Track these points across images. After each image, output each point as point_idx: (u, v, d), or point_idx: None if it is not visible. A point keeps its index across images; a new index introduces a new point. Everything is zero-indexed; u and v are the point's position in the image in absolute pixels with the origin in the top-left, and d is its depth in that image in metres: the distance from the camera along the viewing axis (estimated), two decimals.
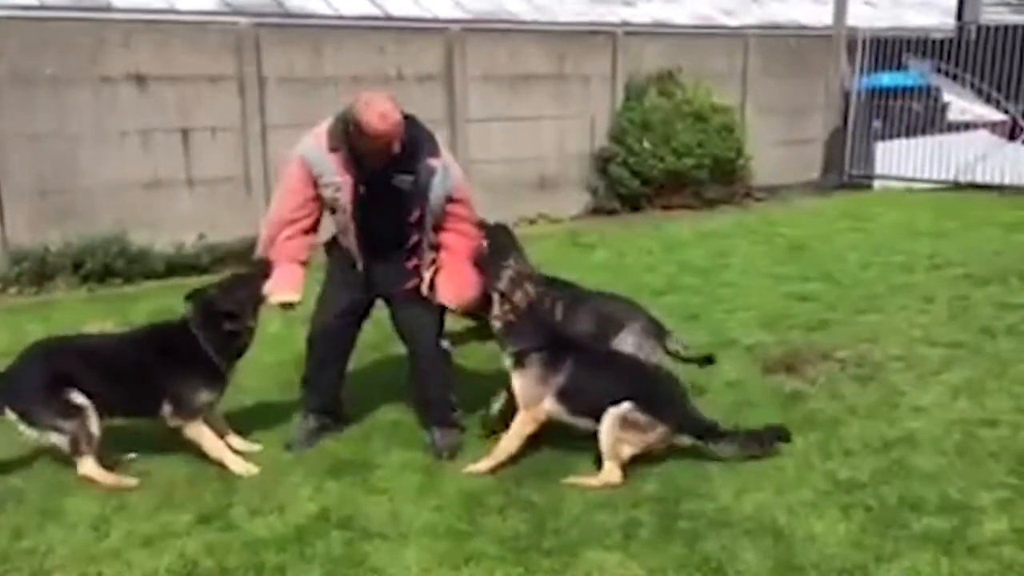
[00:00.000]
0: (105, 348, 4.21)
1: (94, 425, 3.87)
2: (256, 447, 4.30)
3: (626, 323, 4.57)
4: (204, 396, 4.02)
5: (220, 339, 3.99)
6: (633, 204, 10.88)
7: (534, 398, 3.95)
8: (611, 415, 3.84)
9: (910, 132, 12.68)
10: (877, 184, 12.76)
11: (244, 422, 4.50)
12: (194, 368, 3.98)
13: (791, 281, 7.33)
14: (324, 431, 4.35)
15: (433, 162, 3.98)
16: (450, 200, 4.08)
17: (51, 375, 3.89)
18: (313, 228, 4.12)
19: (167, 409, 3.98)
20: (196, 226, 8.15)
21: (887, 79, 12.85)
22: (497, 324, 4.02)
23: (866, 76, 13.00)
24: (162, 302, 6.39)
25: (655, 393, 3.98)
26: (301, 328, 4.62)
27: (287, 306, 4.09)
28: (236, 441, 4.27)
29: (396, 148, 3.85)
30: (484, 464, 3.98)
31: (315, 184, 3.96)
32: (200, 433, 4.03)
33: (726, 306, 6.64)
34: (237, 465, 4.02)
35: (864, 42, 12.92)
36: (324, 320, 4.27)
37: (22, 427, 3.88)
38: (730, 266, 7.98)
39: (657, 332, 4.63)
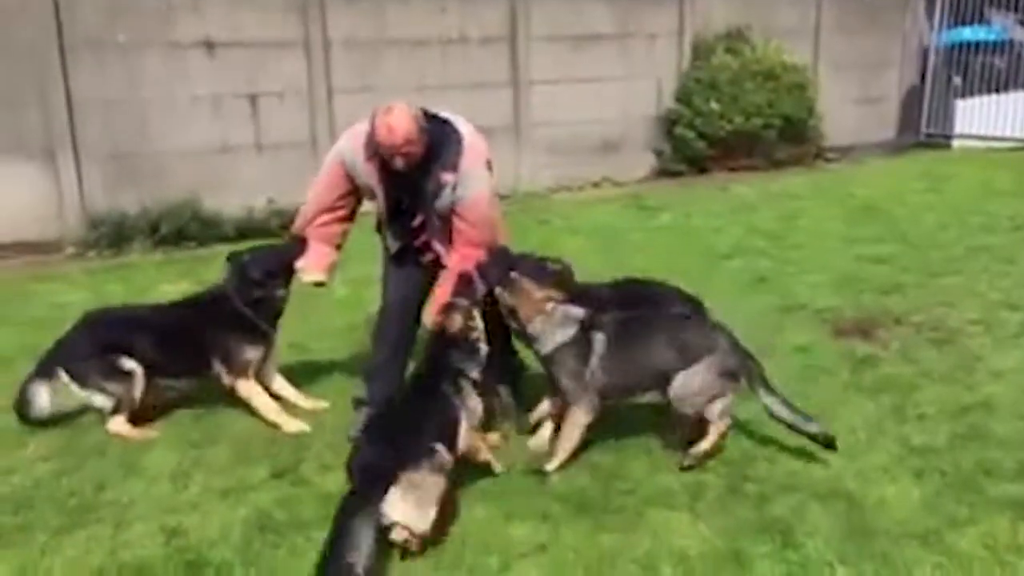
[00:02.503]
0: (154, 316, 4.42)
1: (138, 390, 4.13)
2: (323, 404, 4.40)
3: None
4: (248, 353, 4.21)
5: (252, 302, 4.19)
6: (699, 166, 10.68)
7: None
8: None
9: (991, 89, 12.16)
10: (956, 143, 12.30)
11: (314, 383, 4.61)
12: (235, 327, 4.20)
13: (864, 243, 7.14)
14: None
15: (446, 176, 3.79)
16: (456, 215, 3.87)
17: (101, 342, 4.17)
18: (350, 216, 4.16)
19: (217, 367, 4.21)
20: (264, 190, 8.27)
21: (968, 33, 12.32)
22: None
23: (945, 30, 12.46)
24: None
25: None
26: (367, 291, 4.67)
27: (318, 284, 4.22)
28: (303, 400, 4.40)
29: (414, 155, 3.71)
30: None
31: (353, 180, 3.99)
32: (251, 392, 4.21)
33: (795, 269, 6.50)
34: (289, 424, 4.14)
35: None
36: (382, 313, 4.20)
37: (73, 388, 4.14)
38: (800, 228, 7.81)
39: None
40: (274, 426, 4.14)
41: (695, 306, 4.30)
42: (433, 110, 3.88)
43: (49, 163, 7.55)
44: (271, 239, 6.31)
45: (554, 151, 10.12)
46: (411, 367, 4.01)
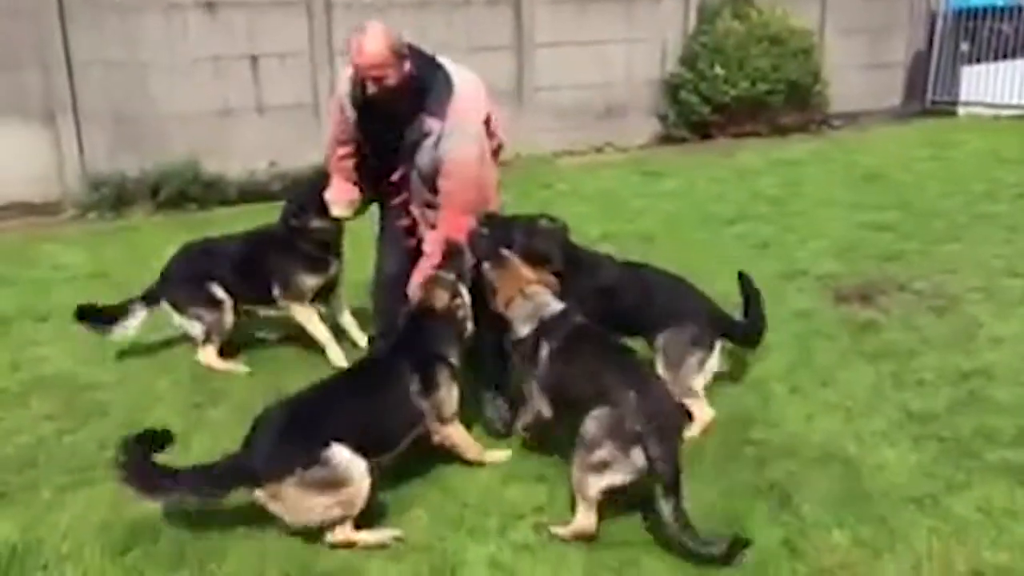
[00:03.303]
0: (232, 247, 4.66)
1: (228, 319, 4.48)
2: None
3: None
4: (301, 279, 4.45)
5: (295, 232, 4.41)
6: (704, 132, 10.59)
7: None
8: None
9: (999, 55, 12.02)
10: (962, 110, 12.18)
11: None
12: (288, 256, 4.45)
13: (867, 210, 7.10)
14: None
15: (430, 123, 3.49)
16: (439, 173, 3.55)
17: (198, 272, 4.51)
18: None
19: (276, 291, 4.49)
20: (266, 153, 8.24)
21: None
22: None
23: None
24: (235, 227, 6.49)
25: None
26: None
27: (345, 219, 4.27)
28: (363, 341, 4.60)
29: (386, 83, 3.42)
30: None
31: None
32: (305, 317, 4.49)
33: (798, 235, 6.48)
34: (334, 355, 4.41)
35: None
36: (375, 291, 4.10)
37: (174, 316, 4.50)
38: (803, 195, 7.77)
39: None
40: (322, 349, 4.44)
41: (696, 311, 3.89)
42: (430, 52, 3.63)
43: (49, 125, 7.52)
44: (272, 203, 6.28)
45: (558, 115, 10.05)
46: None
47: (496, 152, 3.87)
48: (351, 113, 3.72)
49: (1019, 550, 2.87)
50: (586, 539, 2.97)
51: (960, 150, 9.58)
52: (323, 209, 4.25)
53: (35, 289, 5.56)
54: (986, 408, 3.81)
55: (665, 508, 2.82)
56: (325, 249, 4.47)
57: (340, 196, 4.13)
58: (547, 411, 3.32)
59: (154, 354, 4.61)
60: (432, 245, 3.63)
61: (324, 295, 4.61)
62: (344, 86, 3.75)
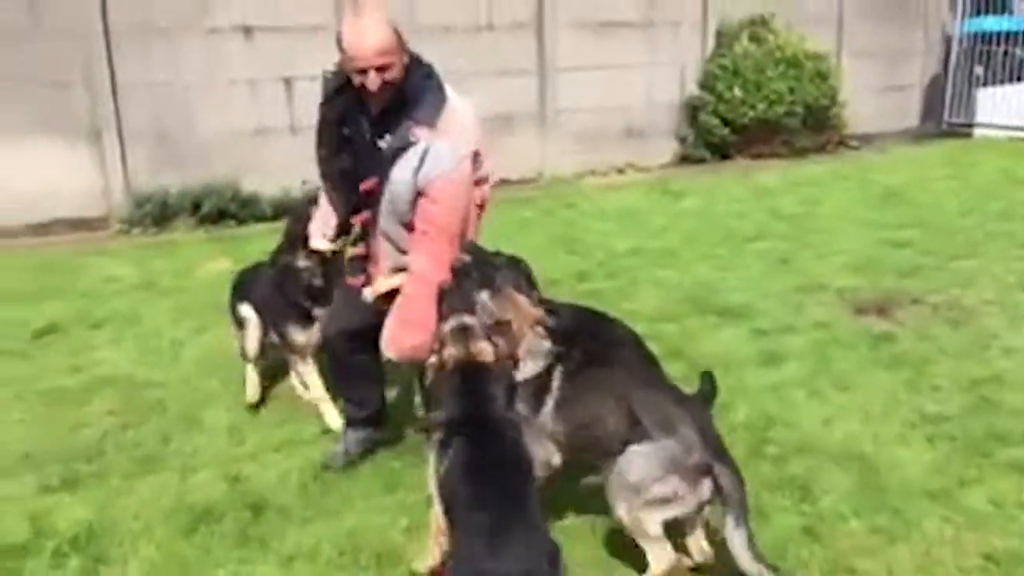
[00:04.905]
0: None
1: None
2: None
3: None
4: (294, 334, 4.00)
5: (281, 276, 3.96)
6: (723, 153, 10.85)
7: (431, 492, 2.80)
8: None
9: (1013, 78, 12.23)
10: (978, 132, 12.38)
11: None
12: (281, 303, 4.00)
13: (885, 228, 7.30)
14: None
15: (418, 131, 3.08)
16: (421, 195, 3.13)
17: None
18: None
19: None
20: (300, 172, 8.46)
21: (990, 23, 12.37)
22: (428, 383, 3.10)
23: (968, 19, 12.54)
24: (270, 243, 6.74)
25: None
26: None
27: (327, 251, 3.72)
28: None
29: (392, 74, 3.06)
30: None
31: None
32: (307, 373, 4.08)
33: (817, 251, 6.69)
34: (334, 419, 3.98)
35: None
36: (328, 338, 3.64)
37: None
38: (822, 213, 7.98)
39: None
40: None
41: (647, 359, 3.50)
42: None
43: (95, 144, 7.86)
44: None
45: (579, 137, 10.32)
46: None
47: (482, 183, 3.46)
48: (330, 114, 3.31)
49: None
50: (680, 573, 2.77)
51: (976, 170, 9.77)
52: (303, 246, 3.79)
53: (88, 298, 5.86)
54: (998, 411, 4.00)
55: (736, 539, 2.62)
56: (312, 294, 3.91)
57: (321, 227, 3.62)
58: (557, 459, 3.04)
59: (202, 358, 4.86)
60: (409, 285, 3.20)
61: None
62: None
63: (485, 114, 10.10)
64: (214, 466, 3.67)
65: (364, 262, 3.40)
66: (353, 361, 3.54)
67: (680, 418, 2.75)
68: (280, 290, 3.98)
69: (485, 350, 2.84)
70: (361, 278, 3.41)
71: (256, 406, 4.21)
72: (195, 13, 8.12)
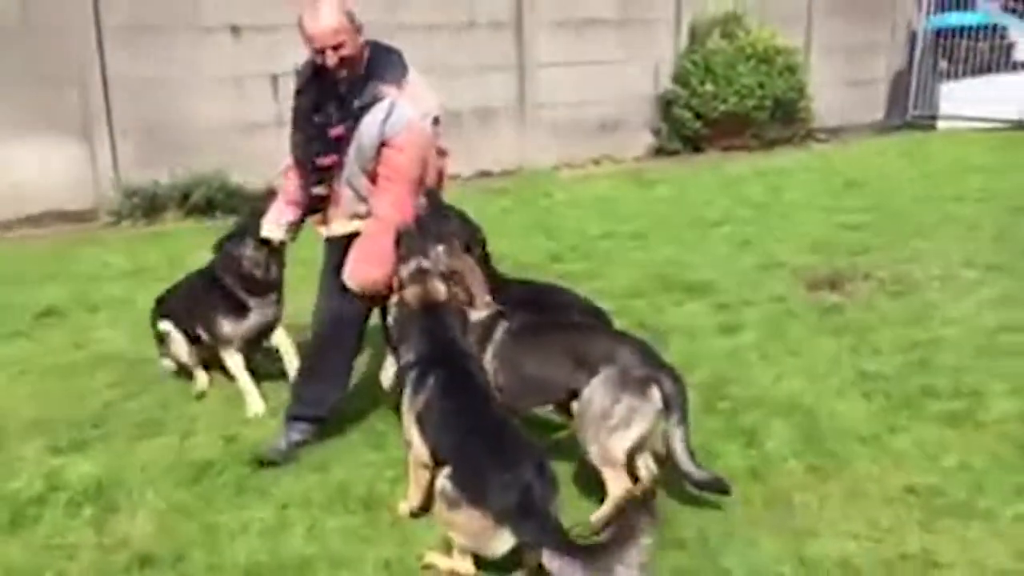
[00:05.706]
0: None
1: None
2: None
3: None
4: (223, 325, 4.20)
5: (225, 267, 4.18)
6: (695, 145, 11.23)
7: (407, 431, 3.11)
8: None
9: (975, 72, 12.68)
10: (941, 124, 12.82)
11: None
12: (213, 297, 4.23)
13: (844, 213, 7.69)
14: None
15: (385, 88, 3.41)
16: (384, 145, 3.41)
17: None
18: None
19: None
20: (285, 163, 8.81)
21: (954, 18, 12.84)
22: (390, 325, 3.58)
23: (932, 15, 12.99)
24: None
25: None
26: None
27: (277, 241, 4.00)
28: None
29: (347, 52, 3.37)
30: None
31: None
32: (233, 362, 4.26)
33: (778, 234, 7.07)
34: (256, 404, 4.18)
35: None
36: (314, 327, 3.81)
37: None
38: (785, 200, 8.37)
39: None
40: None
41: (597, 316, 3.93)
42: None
43: (86, 138, 8.11)
44: None
45: (557, 130, 10.67)
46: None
47: (443, 154, 3.79)
48: (304, 103, 3.57)
49: (946, 474, 3.41)
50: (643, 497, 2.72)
51: (936, 161, 10.21)
52: (255, 235, 4.00)
53: (84, 284, 6.13)
54: (933, 372, 4.36)
55: (677, 434, 3.04)
56: (254, 283, 4.11)
57: (276, 217, 3.91)
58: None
59: None
60: (371, 227, 3.49)
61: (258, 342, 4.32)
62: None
63: (466, 109, 10.49)
64: (212, 429, 3.98)
65: (325, 202, 3.64)
66: (330, 355, 3.74)
67: (619, 347, 3.17)
68: (212, 281, 4.21)
69: (440, 289, 3.21)
70: (320, 216, 3.70)
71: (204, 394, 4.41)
72: (185, 11, 8.40)
